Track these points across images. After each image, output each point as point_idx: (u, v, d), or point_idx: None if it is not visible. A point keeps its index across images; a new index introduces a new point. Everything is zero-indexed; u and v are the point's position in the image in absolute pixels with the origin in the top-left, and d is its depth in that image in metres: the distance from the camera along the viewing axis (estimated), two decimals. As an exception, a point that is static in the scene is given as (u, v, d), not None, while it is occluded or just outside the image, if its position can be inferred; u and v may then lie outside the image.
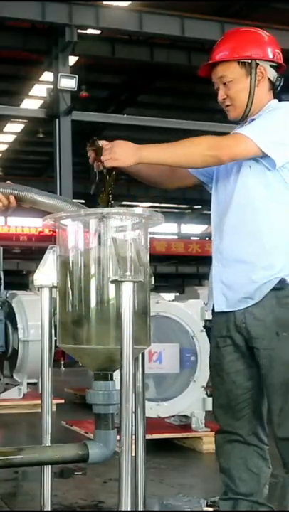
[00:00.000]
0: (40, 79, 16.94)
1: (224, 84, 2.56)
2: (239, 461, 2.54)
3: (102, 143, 2.42)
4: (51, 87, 14.21)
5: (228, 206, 2.53)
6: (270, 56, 2.57)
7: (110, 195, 2.34)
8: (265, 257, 2.44)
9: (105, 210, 2.19)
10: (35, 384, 7.53)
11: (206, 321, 5.30)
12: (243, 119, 2.59)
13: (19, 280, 23.47)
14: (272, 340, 2.42)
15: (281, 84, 2.63)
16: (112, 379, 2.24)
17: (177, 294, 22.57)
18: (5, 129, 21.49)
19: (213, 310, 2.62)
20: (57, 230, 2.32)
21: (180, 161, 2.46)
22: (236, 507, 2.54)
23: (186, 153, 2.44)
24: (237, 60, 2.53)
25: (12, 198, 2.44)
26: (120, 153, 2.36)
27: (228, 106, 2.59)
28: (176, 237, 30.67)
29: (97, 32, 14.27)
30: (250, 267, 2.46)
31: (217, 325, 2.60)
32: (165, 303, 5.68)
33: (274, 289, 2.42)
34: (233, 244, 2.51)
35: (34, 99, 18.29)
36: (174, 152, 2.46)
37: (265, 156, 2.42)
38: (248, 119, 2.57)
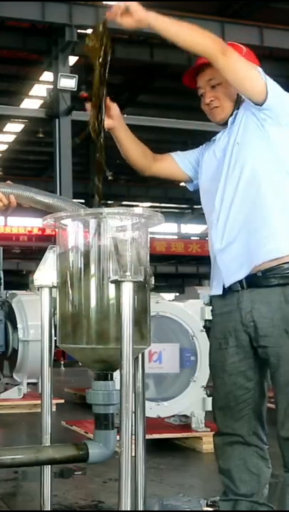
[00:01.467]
0: (40, 79, 16.95)
1: (212, 87, 2.60)
2: (239, 462, 2.53)
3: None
4: (51, 87, 14.23)
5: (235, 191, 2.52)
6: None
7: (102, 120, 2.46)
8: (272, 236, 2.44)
9: (106, 210, 2.19)
10: (35, 384, 7.52)
11: (206, 321, 5.30)
12: (226, 123, 2.62)
13: (19, 280, 23.46)
14: (281, 338, 2.40)
15: None
16: (112, 379, 2.24)
17: (177, 294, 22.60)
18: (5, 129, 21.50)
19: (213, 308, 2.61)
20: (57, 229, 2.32)
21: (184, 39, 2.39)
22: (237, 508, 2.53)
23: (194, 36, 2.40)
24: None
25: (12, 198, 2.44)
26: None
27: (215, 108, 2.62)
28: (176, 237, 30.68)
29: (97, 32, 14.27)
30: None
31: (219, 326, 2.58)
32: (165, 303, 5.68)
33: (280, 285, 2.40)
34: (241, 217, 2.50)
35: (34, 99, 18.30)
36: (182, 30, 2.40)
37: (261, 104, 2.41)
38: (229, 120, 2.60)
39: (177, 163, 2.80)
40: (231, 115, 2.59)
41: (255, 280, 2.45)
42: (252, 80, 2.41)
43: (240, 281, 2.48)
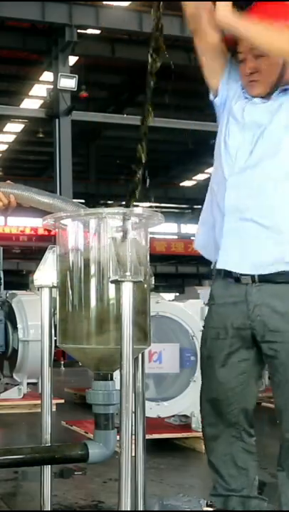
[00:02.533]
0: (40, 79, 16.97)
1: (256, 57, 2.43)
2: (226, 458, 2.52)
3: None
4: (51, 87, 14.24)
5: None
6: None
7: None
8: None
9: (106, 210, 2.19)
10: (35, 384, 7.52)
11: (206, 321, 5.29)
12: (266, 97, 2.48)
13: (19, 280, 23.46)
14: None
15: None
16: (112, 379, 2.24)
17: (177, 294, 22.58)
18: (5, 129, 21.51)
19: (212, 299, 2.54)
20: (57, 229, 2.32)
21: (260, 37, 2.35)
22: (228, 503, 2.52)
23: (270, 35, 2.35)
24: None
25: (12, 198, 2.44)
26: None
27: (254, 81, 2.46)
28: (176, 237, 30.69)
29: (97, 32, 14.29)
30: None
31: (220, 316, 2.51)
32: (165, 303, 5.67)
33: None
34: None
35: (34, 99, 18.32)
36: (258, 29, 2.36)
37: None
38: (273, 96, 2.47)
39: (223, 67, 2.56)
40: (270, 92, 2.46)
41: (268, 276, 2.41)
42: None
43: (252, 276, 2.43)
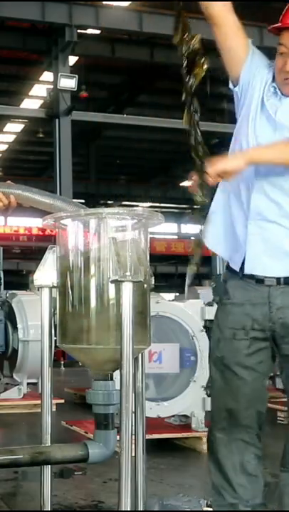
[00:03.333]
0: (40, 79, 16.96)
1: None
2: (237, 466, 2.47)
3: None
4: (51, 87, 14.24)
5: None
6: None
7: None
8: None
9: (106, 210, 2.19)
10: (35, 384, 7.52)
11: (206, 321, 5.29)
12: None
13: (19, 280, 23.45)
14: None
15: None
16: (112, 379, 2.24)
17: (177, 294, 22.56)
18: (5, 129, 21.51)
19: (227, 297, 2.49)
20: (57, 229, 2.32)
21: (280, 161, 2.36)
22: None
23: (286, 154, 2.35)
24: None
25: (12, 198, 2.44)
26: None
27: None
28: (176, 237, 30.68)
29: (97, 32, 14.28)
30: None
31: (237, 316, 2.46)
32: (165, 303, 5.68)
33: None
34: None
35: (34, 99, 18.31)
36: (275, 153, 2.36)
37: None
38: None
39: (246, 54, 2.49)
40: None
41: None
42: None
43: (277, 278, 2.41)
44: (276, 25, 2.44)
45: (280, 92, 2.44)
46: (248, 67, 2.48)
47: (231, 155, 2.46)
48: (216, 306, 2.69)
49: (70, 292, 2.21)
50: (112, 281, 2.08)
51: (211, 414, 2.59)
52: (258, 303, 2.44)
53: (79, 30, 13.32)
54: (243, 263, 2.45)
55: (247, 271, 2.44)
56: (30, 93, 18.32)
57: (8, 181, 2.52)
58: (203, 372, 5.15)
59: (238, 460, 2.47)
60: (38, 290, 2.38)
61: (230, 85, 2.56)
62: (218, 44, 2.51)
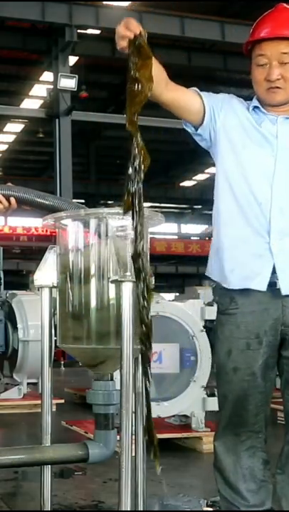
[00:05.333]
0: (40, 79, 16.97)
1: (283, 63, 2.38)
2: (246, 472, 2.45)
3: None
4: (51, 87, 14.24)
5: None
6: None
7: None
8: None
9: (106, 210, 2.19)
10: (35, 384, 7.52)
11: (206, 321, 5.29)
12: (283, 104, 2.45)
13: (19, 280, 23.46)
14: None
15: None
16: (112, 379, 2.24)
17: (177, 294, 22.57)
18: (5, 129, 21.53)
19: (230, 308, 2.44)
20: (57, 230, 2.32)
21: None
22: None
23: None
24: None
25: (13, 200, 2.45)
26: None
27: (278, 88, 2.41)
28: (176, 237, 30.69)
29: (97, 32, 14.28)
30: None
31: (249, 325, 2.41)
32: (165, 303, 5.67)
33: None
34: None
35: (34, 99, 18.32)
36: None
37: None
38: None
39: (201, 97, 2.47)
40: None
41: None
42: None
43: None
44: (253, 38, 2.45)
45: (263, 109, 2.47)
46: (210, 104, 2.48)
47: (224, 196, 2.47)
48: (216, 306, 2.64)
49: (70, 292, 2.21)
50: (112, 281, 2.08)
51: (219, 423, 2.55)
52: (270, 308, 2.40)
53: (79, 30, 13.32)
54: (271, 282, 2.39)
55: (285, 292, 2.38)
56: (30, 93, 18.33)
57: (9, 183, 2.52)
58: (203, 372, 5.15)
59: (247, 466, 2.46)
60: (38, 290, 2.38)
61: (191, 129, 2.55)
62: (173, 112, 2.51)
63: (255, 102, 2.51)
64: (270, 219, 2.37)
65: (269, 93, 2.43)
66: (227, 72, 16.54)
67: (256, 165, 2.42)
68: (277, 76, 2.39)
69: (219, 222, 2.50)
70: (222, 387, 2.51)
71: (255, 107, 2.49)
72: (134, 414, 2.16)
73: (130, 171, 1.93)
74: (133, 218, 1.92)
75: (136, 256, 1.92)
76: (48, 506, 2.35)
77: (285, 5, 2.52)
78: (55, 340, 2.32)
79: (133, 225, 1.92)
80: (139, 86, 2.03)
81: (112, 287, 2.12)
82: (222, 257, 2.48)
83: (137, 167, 1.93)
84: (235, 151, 2.46)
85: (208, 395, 5.15)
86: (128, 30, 2.10)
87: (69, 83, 13.37)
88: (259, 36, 2.43)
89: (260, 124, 2.46)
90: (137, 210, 1.91)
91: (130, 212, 1.92)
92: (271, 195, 2.38)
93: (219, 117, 2.48)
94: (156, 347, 5.11)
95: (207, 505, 3.56)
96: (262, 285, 2.37)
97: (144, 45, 2.09)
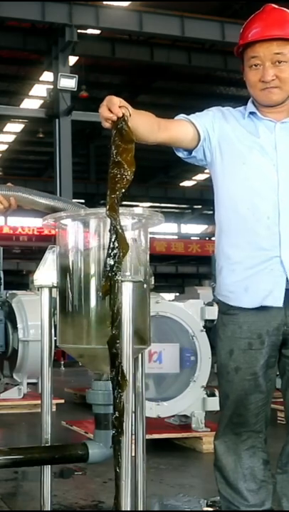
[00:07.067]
0: (40, 79, 16.96)
1: (276, 63, 2.38)
2: (246, 472, 2.45)
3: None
4: (51, 87, 14.23)
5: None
6: None
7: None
8: None
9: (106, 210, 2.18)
10: (35, 384, 7.52)
11: (206, 320, 5.29)
12: (280, 104, 2.44)
13: (19, 280, 23.48)
14: None
15: None
16: (112, 379, 2.24)
17: (177, 294, 22.59)
18: (5, 129, 21.51)
19: (232, 308, 2.43)
20: (57, 229, 2.32)
21: None
22: None
23: None
24: None
25: (13, 200, 2.45)
26: None
27: (273, 88, 2.40)
28: (176, 237, 30.68)
29: (97, 32, 14.28)
30: None
31: (251, 325, 2.41)
32: (165, 303, 5.67)
33: None
34: None
35: (34, 99, 18.32)
36: None
37: None
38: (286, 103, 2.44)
39: (193, 124, 2.48)
40: (284, 101, 2.43)
41: None
42: None
43: None
44: (244, 41, 2.45)
45: (259, 114, 2.46)
46: (202, 127, 2.48)
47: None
48: (216, 306, 2.64)
49: (70, 292, 2.21)
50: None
51: (220, 422, 2.54)
52: (272, 308, 2.39)
53: (79, 30, 13.31)
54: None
55: None
56: (30, 93, 18.33)
57: (9, 183, 2.52)
58: (203, 372, 5.15)
59: (247, 466, 2.46)
60: (38, 290, 2.38)
61: (183, 154, 2.55)
62: (171, 146, 2.53)
63: (250, 108, 2.50)
64: (280, 232, 2.36)
65: (265, 93, 2.43)
66: (227, 72, 16.53)
67: (259, 179, 2.40)
68: (271, 77, 2.39)
69: (226, 243, 2.46)
70: (223, 386, 2.51)
71: (251, 113, 2.48)
72: (134, 414, 2.16)
73: (108, 259, 1.98)
74: (110, 304, 1.98)
75: (112, 341, 1.97)
76: (48, 506, 2.35)
77: (273, 5, 2.53)
78: (55, 340, 2.32)
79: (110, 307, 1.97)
80: (121, 171, 2.10)
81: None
82: (232, 277, 2.44)
83: (117, 258, 1.97)
84: (235, 168, 2.45)
85: (208, 395, 5.15)
86: (110, 112, 2.13)
87: (69, 83, 13.36)
88: (250, 38, 2.43)
89: (258, 134, 2.45)
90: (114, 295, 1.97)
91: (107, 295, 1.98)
92: (278, 207, 2.36)
93: (214, 136, 2.49)
94: (156, 347, 5.11)
95: (207, 505, 3.56)
96: (278, 302, 2.36)
97: (127, 128, 2.12)
